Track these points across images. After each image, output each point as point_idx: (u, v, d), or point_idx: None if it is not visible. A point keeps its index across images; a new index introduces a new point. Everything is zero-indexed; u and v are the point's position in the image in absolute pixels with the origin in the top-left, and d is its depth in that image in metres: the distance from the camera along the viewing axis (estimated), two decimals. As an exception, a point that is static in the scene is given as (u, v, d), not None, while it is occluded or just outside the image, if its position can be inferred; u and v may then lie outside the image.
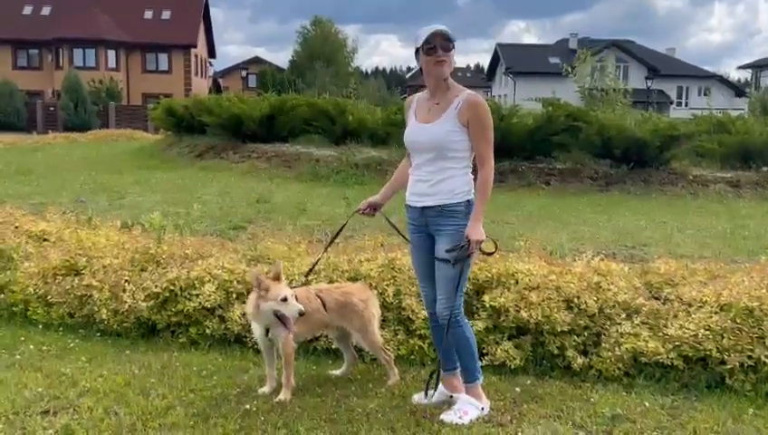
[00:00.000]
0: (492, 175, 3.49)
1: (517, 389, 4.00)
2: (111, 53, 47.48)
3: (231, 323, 4.56)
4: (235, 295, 4.68)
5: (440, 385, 3.78)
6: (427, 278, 3.70)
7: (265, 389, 3.89)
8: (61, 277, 5.01)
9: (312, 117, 14.79)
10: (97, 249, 5.29)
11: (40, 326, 4.84)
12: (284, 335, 3.77)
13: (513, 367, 4.25)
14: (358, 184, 11.93)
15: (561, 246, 6.19)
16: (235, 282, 4.72)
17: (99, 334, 4.73)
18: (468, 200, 3.52)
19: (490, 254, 3.79)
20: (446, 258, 3.48)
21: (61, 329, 4.80)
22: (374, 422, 3.52)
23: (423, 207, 3.57)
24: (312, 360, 4.43)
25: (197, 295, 4.63)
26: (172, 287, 4.69)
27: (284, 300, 3.67)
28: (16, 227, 5.97)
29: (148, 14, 49.79)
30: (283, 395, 3.78)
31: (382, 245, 5.42)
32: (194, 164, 15.21)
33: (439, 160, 3.51)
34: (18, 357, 4.29)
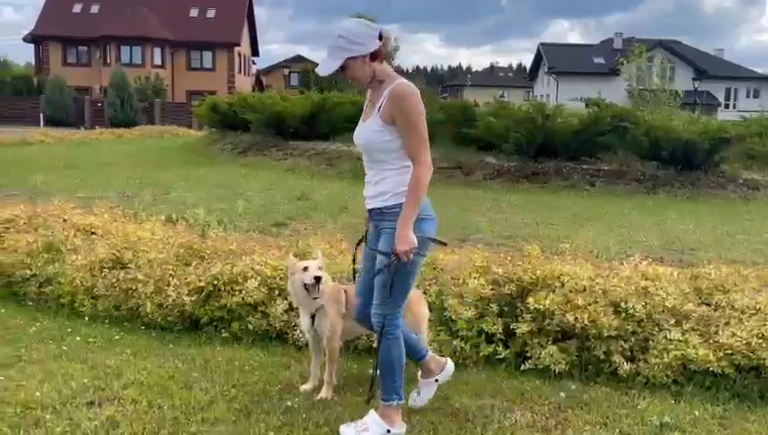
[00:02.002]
0: (426, 174, 3.12)
1: (562, 394, 3.92)
2: (157, 51, 48.41)
3: (273, 319, 4.58)
4: (277, 292, 4.69)
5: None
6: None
7: (307, 386, 3.88)
8: (107, 270, 5.10)
9: (354, 115, 14.69)
10: (143, 243, 5.38)
11: (86, 318, 4.93)
12: (329, 326, 3.74)
13: (557, 371, 4.17)
14: None
15: (607, 249, 6.07)
16: (277, 278, 4.74)
17: (143, 327, 4.79)
18: (401, 203, 3.17)
19: (443, 244, 3.51)
20: (379, 268, 3.26)
21: (106, 321, 4.89)
22: (416, 424, 3.49)
23: (369, 210, 3.37)
24: (353, 358, 4.41)
25: (240, 291, 4.66)
26: (215, 282, 4.73)
27: (305, 269, 3.67)
28: (65, 220, 6.10)
29: (194, 13, 50.61)
30: (325, 393, 3.78)
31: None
32: (237, 161, 15.34)
33: (374, 162, 3.28)
34: (65, 348, 4.36)
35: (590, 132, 12.89)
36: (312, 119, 15.20)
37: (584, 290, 4.42)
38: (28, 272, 5.31)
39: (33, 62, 52.34)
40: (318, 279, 3.64)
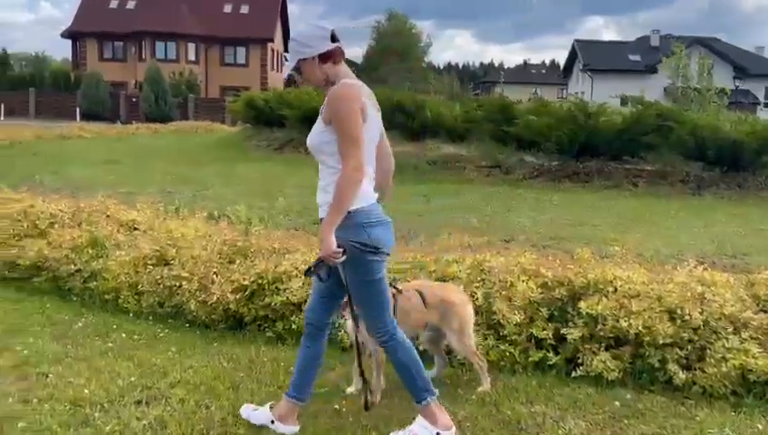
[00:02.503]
0: (352, 176, 2.96)
1: (616, 403, 3.81)
2: (191, 47, 48.87)
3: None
4: (321, 291, 4.65)
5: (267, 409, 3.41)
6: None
7: (352, 389, 3.84)
8: (151, 267, 5.11)
9: (390, 112, 14.67)
10: (185, 240, 5.38)
11: (131, 314, 4.96)
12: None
13: (610, 379, 4.06)
14: (434, 181, 11.77)
15: (656, 253, 5.91)
16: (321, 278, 4.69)
17: (187, 325, 4.80)
18: (349, 211, 3.02)
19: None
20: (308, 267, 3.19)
21: (150, 318, 4.91)
22: (466, 430, 3.43)
23: (321, 218, 3.18)
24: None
25: (285, 290, 4.63)
26: (260, 281, 4.71)
27: None
28: (108, 216, 6.14)
29: (228, 9, 50.97)
30: (372, 397, 3.72)
31: (469, 245, 5.30)
32: (273, 157, 15.35)
33: (321, 165, 3.19)
34: (111, 345, 4.39)
35: (633, 131, 12.59)
36: None
37: (638, 295, 4.30)
38: (73, 267, 5.36)
39: (70, 58, 53.21)
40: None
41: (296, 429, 3.36)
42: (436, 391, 3.37)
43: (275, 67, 54.20)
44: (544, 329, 4.28)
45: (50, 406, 3.47)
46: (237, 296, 4.71)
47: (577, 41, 60.43)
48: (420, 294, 3.81)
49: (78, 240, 5.51)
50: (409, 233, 6.40)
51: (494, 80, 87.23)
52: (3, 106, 37.02)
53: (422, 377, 3.32)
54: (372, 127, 3.11)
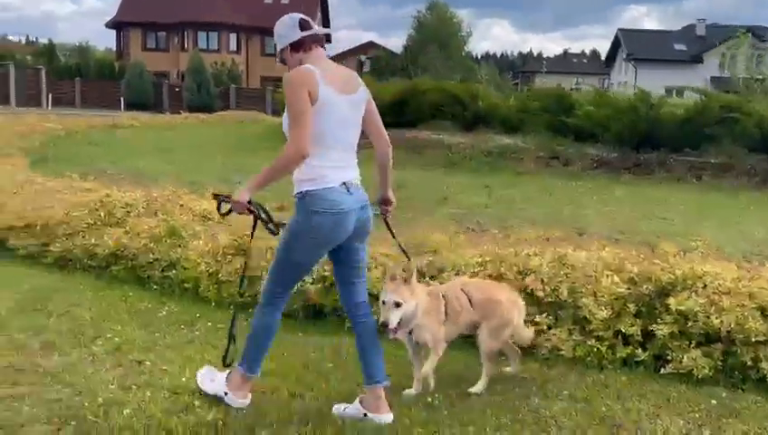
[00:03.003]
0: (288, 156, 3.08)
1: (713, 401, 3.75)
2: (233, 37, 49.31)
3: (398, 312, 4.54)
4: (400, 283, 4.65)
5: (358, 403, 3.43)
6: None
7: (412, 390, 3.70)
8: (230, 257, 5.17)
9: (443, 102, 14.60)
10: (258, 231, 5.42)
11: (212, 304, 5.03)
12: (428, 337, 3.60)
13: (700, 376, 3.99)
14: (492, 172, 11.64)
15: (735, 248, 5.79)
16: (400, 269, 4.70)
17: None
18: (302, 192, 3.18)
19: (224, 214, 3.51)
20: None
21: (231, 307, 4.95)
22: (562, 427, 3.40)
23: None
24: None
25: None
26: (340, 272, 4.73)
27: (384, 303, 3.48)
28: (181, 205, 6.23)
29: (269, 0, 51.25)
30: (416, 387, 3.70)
31: (547, 239, 5.24)
32: None
33: None
34: (197, 333, 4.47)
35: (696, 123, 12.31)
36: (399, 105, 15.05)
37: (728, 292, 4.22)
38: (152, 256, 5.45)
39: (114, 48, 54.07)
40: (384, 325, 3.44)
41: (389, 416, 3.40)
42: (257, 376, 3.48)
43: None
44: (632, 325, 4.22)
45: (150, 393, 3.53)
46: (318, 287, 4.75)
47: (620, 30, 59.37)
48: (466, 293, 3.73)
49: (155, 230, 5.59)
50: (478, 225, 6.35)
51: (534, 69, 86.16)
52: (51, 96, 37.76)
53: (259, 355, 3.46)
54: (334, 110, 3.17)
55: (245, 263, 4.16)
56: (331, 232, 3.22)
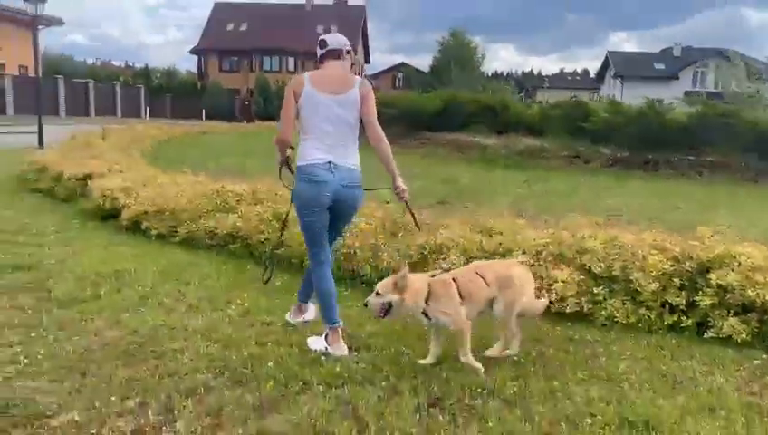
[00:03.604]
0: (277, 137, 3.60)
1: (755, 361, 3.57)
2: (291, 60, 49.38)
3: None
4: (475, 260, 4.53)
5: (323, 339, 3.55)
6: None
7: (426, 361, 3.40)
8: (328, 238, 5.09)
9: (478, 110, 14.46)
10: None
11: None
12: (449, 321, 3.31)
13: (739, 341, 3.81)
14: (524, 168, 11.42)
15: (750, 233, 5.53)
16: (474, 249, 4.59)
17: (363, 285, 4.75)
18: (297, 166, 3.50)
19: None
20: None
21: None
22: (633, 382, 3.26)
23: None
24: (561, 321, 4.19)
25: (445, 259, 4.54)
26: (423, 251, 4.64)
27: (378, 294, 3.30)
28: (278, 195, 6.15)
29: (320, 29, 51.05)
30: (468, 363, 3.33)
31: (597, 223, 5.06)
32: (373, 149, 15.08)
33: None
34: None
35: (697, 128, 11.95)
36: (442, 113, 14.94)
37: (760, 268, 4.03)
38: (262, 236, 5.40)
39: (194, 70, 54.53)
40: (365, 305, 3.35)
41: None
42: (339, 324, 3.54)
43: (358, 74, 54.11)
44: (677, 296, 4.06)
45: (283, 349, 3.48)
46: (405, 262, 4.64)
47: (609, 52, 58.58)
48: (480, 275, 3.41)
49: (264, 215, 5.55)
50: (524, 214, 6.17)
51: (537, 85, 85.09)
52: (148, 109, 38.29)
53: (328, 307, 3.54)
54: (316, 107, 3.42)
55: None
56: (308, 197, 3.43)
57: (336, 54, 3.57)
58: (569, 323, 4.09)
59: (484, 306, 3.45)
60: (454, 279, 3.37)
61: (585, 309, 4.16)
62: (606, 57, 58.39)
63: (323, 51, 3.54)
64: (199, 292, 4.46)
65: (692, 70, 51.65)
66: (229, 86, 46.01)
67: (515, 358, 3.50)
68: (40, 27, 35.89)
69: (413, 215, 3.92)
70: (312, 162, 3.41)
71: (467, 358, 3.33)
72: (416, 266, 4.59)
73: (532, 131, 13.82)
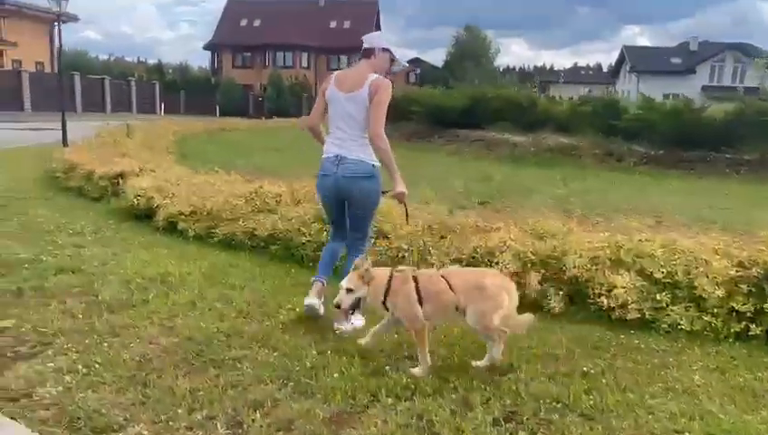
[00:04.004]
0: None
1: (837, 372, 3.42)
2: (304, 56, 49.38)
3: (528, 289, 4.31)
4: (530, 264, 4.41)
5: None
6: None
7: (364, 340, 3.47)
8: (374, 239, 4.98)
9: (505, 107, 14.25)
10: (393, 217, 5.23)
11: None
12: (401, 314, 3.28)
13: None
14: (555, 166, 11.17)
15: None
16: (528, 252, 4.46)
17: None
18: None
19: None
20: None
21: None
22: (712, 395, 3.12)
23: None
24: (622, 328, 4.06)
25: (497, 262, 4.42)
26: (474, 254, 4.52)
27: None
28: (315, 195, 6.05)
29: (333, 24, 51.09)
30: (419, 371, 3.21)
31: (650, 226, 4.91)
32: (403, 145, 14.83)
33: None
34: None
35: (734, 125, 11.68)
36: (468, 110, 14.74)
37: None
38: (304, 238, 5.30)
39: (206, 66, 54.63)
40: (337, 306, 3.35)
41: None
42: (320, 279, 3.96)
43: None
44: (744, 303, 3.91)
45: (345, 359, 3.36)
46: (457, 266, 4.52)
47: (625, 46, 58.02)
48: (445, 278, 3.26)
49: (305, 217, 5.44)
50: (572, 215, 6.00)
51: (549, 80, 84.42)
52: (163, 105, 38.36)
53: (321, 265, 4.01)
54: (334, 104, 3.68)
55: None
56: (318, 187, 3.87)
57: (368, 54, 3.73)
58: (632, 331, 3.95)
59: (452, 313, 3.29)
60: (414, 277, 3.28)
61: (647, 316, 4.02)
62: (621, 51, 57.91)
63: (361, 50, 3.74)
64: (247, 296, 4.36)
65: (709, 64, 51.04)
66: (242, 82, 46.08)
67: (584, 368, 3.37)
68: (56, 24, 36.21)
69: (407, 217, 4.09)
70: (325, 156, 3.75)
71: (422, 356, 3.23)
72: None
73: (561, 128, 13.59)
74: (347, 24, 50.51)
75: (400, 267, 3.44)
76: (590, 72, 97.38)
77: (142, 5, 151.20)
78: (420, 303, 3.22)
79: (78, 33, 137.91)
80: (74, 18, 35.26)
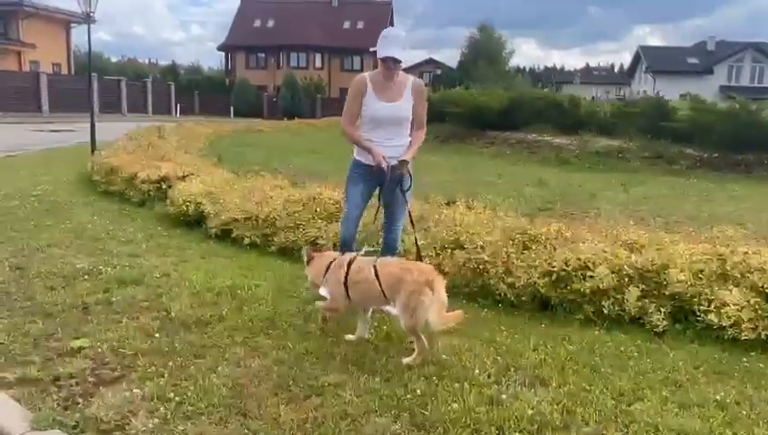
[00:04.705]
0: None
1: None
2: (318, 56, 49.10)
3: (627, 305, 4.01)
4: (627, 279, 4.11)
5: None
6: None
7: (352, 336, 3.61)
8: (449, 250, 4.71)
9: (546, 108, 13.91)
10: (468, 225, 4.94)
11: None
12: (325, 292, 3.62)
13: None
14: (605, 170, 10.74)
15: None
16: (625, 266, 4.15)
17: (499, 305, 4.34)
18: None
19: None
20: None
21: (461, 297, 4.46)
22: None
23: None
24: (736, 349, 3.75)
25: (591, 277, 4.12)
26: (566, 267, 4.21)
27: None
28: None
29: (347, 25, 50.78)
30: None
31: (757, 240, 4.59)
32: (441, 148, 14.37)
33: (403, 130, 3.88)
34: (451, 324, 3.97)
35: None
36: (507, 112, 14.38)
37: None
38: (372, 248, 4.99)
39: (216, 67, 54.56)
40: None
41: None
42: None
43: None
44: None
45: (456, 385, 3.08)
46: (545, 280, 4.23)
47: (641, 46, 57.64)
48: (375, 268, 3.37)
49: (372, 224, 5.13)
50: (643, 220, 5.69)
51: (561, 80, 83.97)
52: (179, 106, 38.25)
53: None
54: (368, 103, 3.80)
55: None
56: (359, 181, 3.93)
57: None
58: (751, 353, 3.64)
59: (377, 302, 3.47)
60: (348, 264, 3.47)
61: (763, 335, 3.71)
62: (637, 51, 57.50)
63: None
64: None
65: (727, 64, 50.44)
66: (256, 83, 45.88)
67: (716, 397, 3.06)
68: (73, 25, 36.12)
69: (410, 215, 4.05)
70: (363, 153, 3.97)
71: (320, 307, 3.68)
72: (557, 282, 4.21)
73: (604, 130, 13.21)
74: (360, 25, 50.21)
75: (356, 254, 3.60)
76: (603, 73, 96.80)
77: (154, 6, 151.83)
78: (347, 288, 3.44)
79: (91, 34, 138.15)
80: (93, 20, 35.21)
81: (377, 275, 3.34)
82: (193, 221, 6.36)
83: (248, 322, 3.83)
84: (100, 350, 3.36)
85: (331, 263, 3.58)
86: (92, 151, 12.14)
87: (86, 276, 4.54)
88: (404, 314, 3.26)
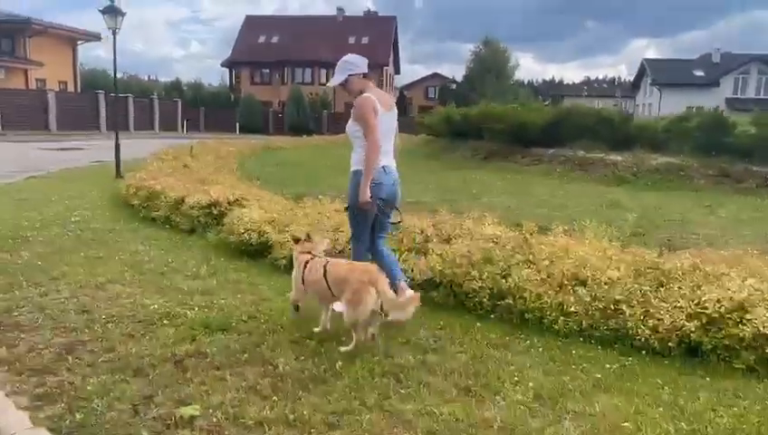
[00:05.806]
0: (371, 149, 3.88)
1: None
2: (323, 71, 48.82)
3: (797, 352, 3.49)
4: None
5: None
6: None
7: (319, 328, 3.86)
8: (570, 287, 4.20)
9: (594, 124, 13.40)
10: (583, 258, 4.44)
11: (560, 335, 4.01)
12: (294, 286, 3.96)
13: None
14: (670, 189, 10.15)
15: None
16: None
17: (642, 352, 3.81)
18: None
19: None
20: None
21: (591, 341, 3.96)
22: None
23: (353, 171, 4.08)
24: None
25: (750, 320, 3.61)
26: (719, 309, 3.70)
27: None
28: (464, 228, 5.27)
29: (352, 40, 50.66)
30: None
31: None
32: (483, 166, 13.75)
33: (354, 144, 4.05)
34: (598, 376, 3.46)
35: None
36: (551, 127, 13.89)
37: None
38: (476, 283, 4.47)
39: (228, 82, 54.22)
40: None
41: None
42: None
43: (386, 87, 53.52)
44: None
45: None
46: (694, 323, 3.72)
47: (646, 59, 57.85)
48: (325, 267, 3.71)
49: (473, 257, 4.63)
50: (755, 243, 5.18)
51: (560, 94, 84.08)
52: (186, 122, 37.84)
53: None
54: (383, 121, 3.92)
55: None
56: (379, 192, 3.97)
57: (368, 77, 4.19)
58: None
59: (326, 298, 3.74)
60: (306, 263, 3.84)
61: None
62: (642, 64, 57.58)
63: (365, 73, 4.08)
64: (438, 359, 3.57)
65: (733, 76, 50.44)
66: (261, 98, 45.63)
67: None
68: (80, 42, 35.75)
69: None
70: (379, 168, 4.03)
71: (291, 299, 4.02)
72: (709, 325, 3.69)
73: (656, 147, 12.70)
74: (365, 40, 50.12)
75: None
76: (604, 86, 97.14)
77: (153, 24, 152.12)
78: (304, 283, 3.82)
79: (91, 51, 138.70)
80: (97, 37, 34.90)
81: (325, 276, 3.67)
82: (254, 251, 5.84)
83: (369, 378, 3.30)
84: (215, 419, 2.83)
85: (306, 262, 3.89)
86: (117, 173, 11.65)
87: (165, 320, 4.01)
88: (347, 308, 3.51)
